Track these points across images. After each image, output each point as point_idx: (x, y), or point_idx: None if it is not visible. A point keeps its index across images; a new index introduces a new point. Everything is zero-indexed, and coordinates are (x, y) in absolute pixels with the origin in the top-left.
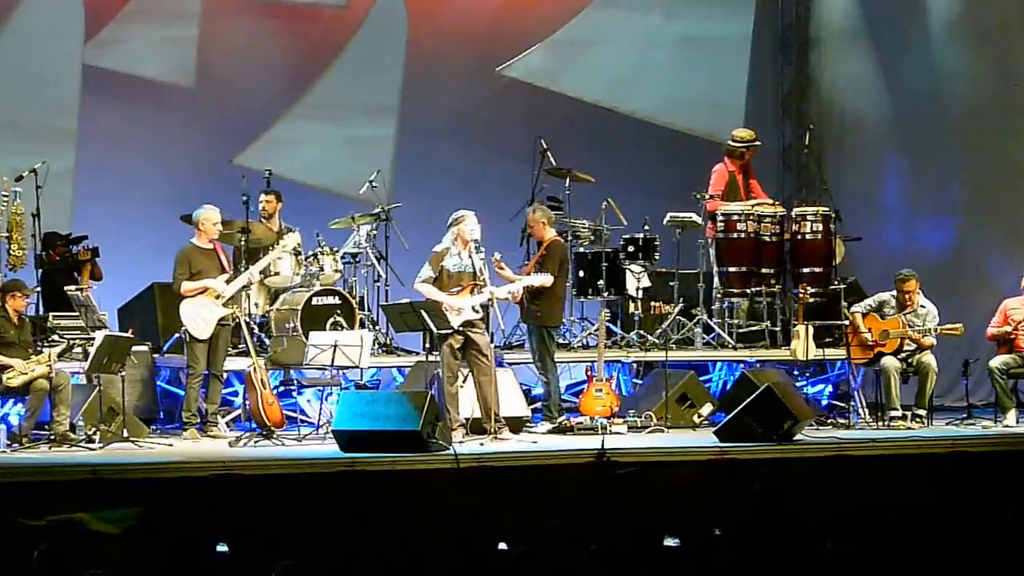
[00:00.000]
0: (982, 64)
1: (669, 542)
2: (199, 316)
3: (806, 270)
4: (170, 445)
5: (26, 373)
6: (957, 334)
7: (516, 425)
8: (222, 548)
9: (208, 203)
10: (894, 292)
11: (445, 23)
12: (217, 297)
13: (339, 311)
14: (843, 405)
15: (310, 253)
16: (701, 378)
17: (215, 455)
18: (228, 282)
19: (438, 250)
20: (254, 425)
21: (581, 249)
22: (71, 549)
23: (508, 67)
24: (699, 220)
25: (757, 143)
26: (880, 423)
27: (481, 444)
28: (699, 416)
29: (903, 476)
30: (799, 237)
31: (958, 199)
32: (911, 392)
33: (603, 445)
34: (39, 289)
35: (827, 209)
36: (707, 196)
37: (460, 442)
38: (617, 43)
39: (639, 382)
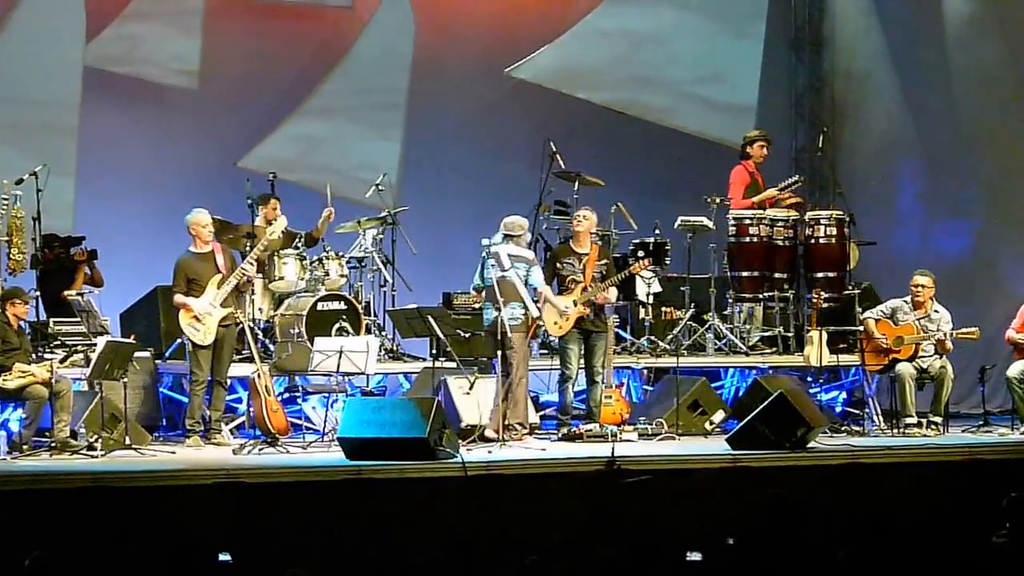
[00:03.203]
0: (998, 64)
1: (692, 556)
2: (197, 323)
3: (820, 275)
4: (173, 453)
5: (23, 376)
6: (973, 338)
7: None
8: (225, 557)
9: (205, 206)
10: (906, 298)
11: (452, 23)
12: (215, 298)
13: (345, 316)
14: (857, 412)
15: (315, 258)
16: (713, 384)
17: (219, 463)
18: (220, 284)
19: None
20: (258, 432)
21: None
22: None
23: (517, 68)
24: (711, 224)
25: (764, 139)
26: (895, 430)
27: (489, 452)
28: (711, 423)
29: (919, 484)
30: (813, 241)
31: (975, 202)
32: (926, 399)
33: (613, 453)
34: (38, 293)
35: (841, 213)
36: (726, 201)
37: (468, 449)
38: (627, 44)
39: (650, 389)
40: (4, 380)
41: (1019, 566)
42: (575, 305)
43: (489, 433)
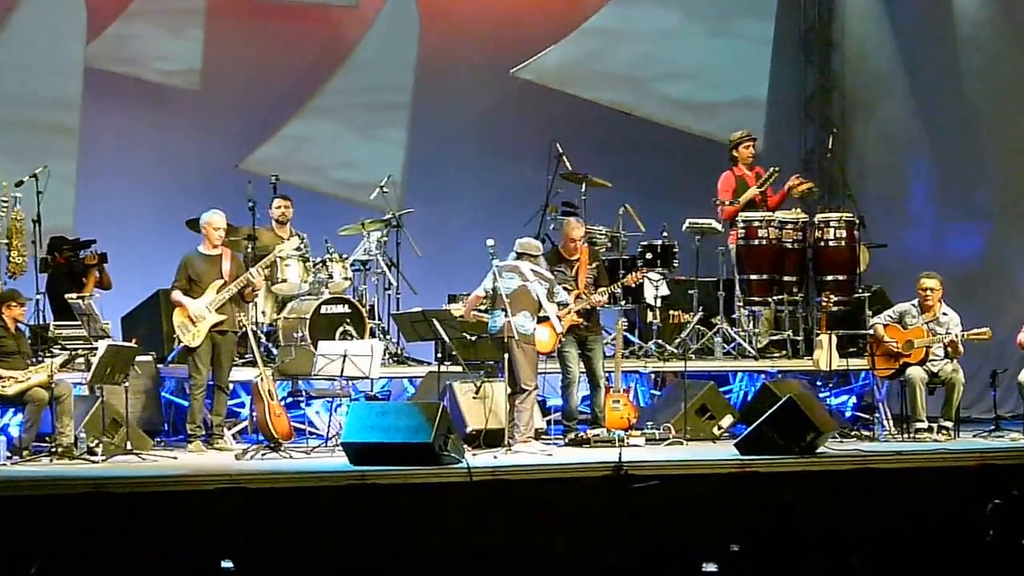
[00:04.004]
0: (1010, 65)
1: (708, 567)
2: (190, 324)
3: (829, 278)
4: (175, 458)
5: (22, 381)
6: (985, 338)
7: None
8: (227, 564)
9: (215, 208)
10: (914, 301)
11: (458, 23)
12: (212, 303)
13: (349, 320)
14: (867, 417)
15: (319, 260)
16: (721, 389)
17: (221, 468)
18: (220, 289)
19: None
20: (261, 437)
21: None
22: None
23: (523, 69)
24: (719, 227)
25: (747, 138)
26: (905, 435)
27: (495, 457)
28: (719, 428)
29: (929, 489)
30: (822, 244)
31: (987, 204)
32: (937, 404)
33: (620, 458)
34: (43, 294)
35: (851, 215)
36: (717, 203)
37: (473, 454)
38: (634, 45)
39: (657, 393)
40: (3, 387)
41: (1004, 571)
42: (568, 313)
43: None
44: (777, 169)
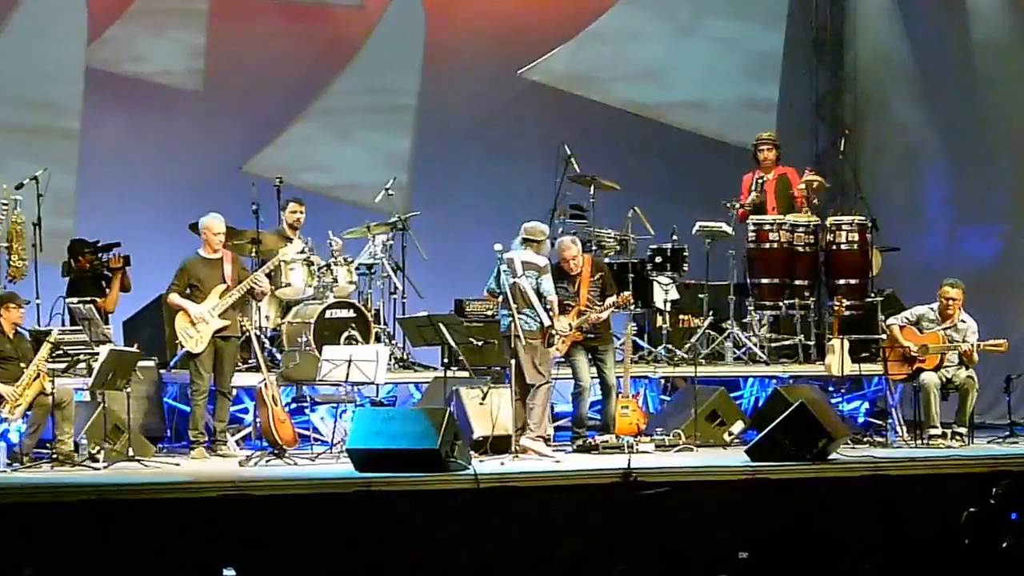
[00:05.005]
0: None
1: None
2: (192, 329)
3: (841, 282)
4: (177, 464)
5: (20, 404)
6: (1001, 350)
7: None
8: (230, 572)
9: (215, 211)
10: (932, 306)
11: (464, 23)
12: (215, 308)
13: (354, 324)
14: (880, 423)
15: (323, 264)
16: (732, 394)
17: (224, 475)
18: (223, 294)
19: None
20: (265, 444)
21: (607, 260)
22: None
23: (530, 69)
24: (730, 230)
25: (767, 140)
26: (919, 441)
27: (502, 464)
28: (730, 434)
29: (942, 496)
30: (834, 247)
31: (1003, 206)
32: (951, 409)
33: (629, 465)
34: (40, 301)
35: (863, 218)
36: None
37: (480, 460)
38: (644, 45)
39: (667, 399)
40: (10, 416)
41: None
42: (569, 328)
43: (526, 442)
44: (762, 177)
